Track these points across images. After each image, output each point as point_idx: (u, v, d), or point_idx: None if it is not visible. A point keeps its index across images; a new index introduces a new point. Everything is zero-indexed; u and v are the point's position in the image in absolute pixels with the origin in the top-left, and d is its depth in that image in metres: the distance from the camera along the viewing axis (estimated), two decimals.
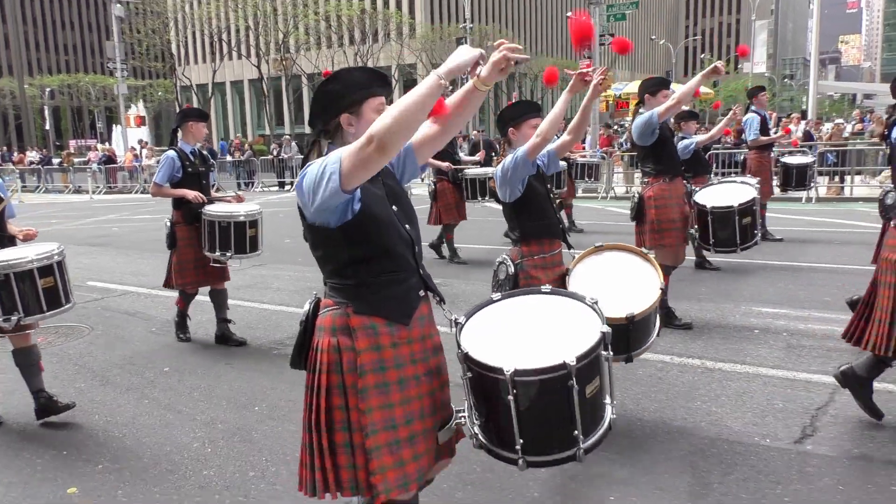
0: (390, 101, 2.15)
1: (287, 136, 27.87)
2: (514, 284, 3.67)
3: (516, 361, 2.16)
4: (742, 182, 6.40)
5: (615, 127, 27.37)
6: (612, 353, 2.37)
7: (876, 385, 3.84)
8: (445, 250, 9.12)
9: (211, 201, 5.63)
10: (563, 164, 10.24)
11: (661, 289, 3.59)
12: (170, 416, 4.33)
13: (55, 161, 31.10)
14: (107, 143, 34.37)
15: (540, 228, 3.72)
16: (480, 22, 56.93)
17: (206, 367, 5.26)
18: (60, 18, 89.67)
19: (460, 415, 2.36)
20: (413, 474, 2.17)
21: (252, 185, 23.98)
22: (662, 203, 5.41)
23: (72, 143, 55.06)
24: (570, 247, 3.90)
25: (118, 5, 29.70)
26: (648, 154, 5.40)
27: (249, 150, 25.24)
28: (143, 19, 49.27)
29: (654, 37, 79.37)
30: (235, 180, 24.68)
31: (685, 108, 11.67)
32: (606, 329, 2.30)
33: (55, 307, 4.18)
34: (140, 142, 30.28)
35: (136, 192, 25.54)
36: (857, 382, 3.77)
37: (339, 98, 2.18)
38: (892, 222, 3.66)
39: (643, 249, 3.97)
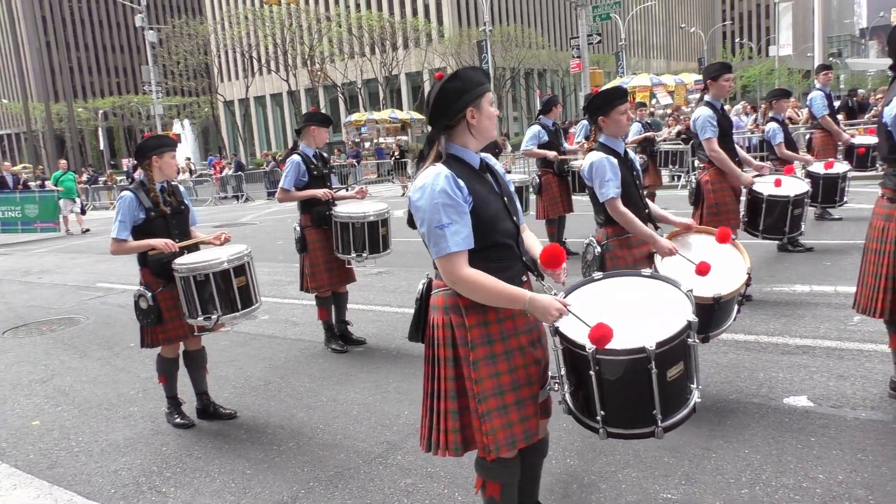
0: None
1: None
2: (601, 264, 3.81)
3: None
4: (794, 176, 6.57)
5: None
6: (697, 340, 2.44)
7: None
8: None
9: (335, 202, 5.59)
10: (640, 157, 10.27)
11: (748, 273, 3.61)
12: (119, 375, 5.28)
13: (101, 180, 32.99)
14: None
15: None
16: (504, 23, 57.66)
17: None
18: (111, 43, 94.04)
19: (553, 381, 2.53)
20: (520, 434, 2.42)
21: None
22: (719, 187, 5.72)
23: (125, 161, 58.19)
24: (656, 227, 3.94)
25: (151, 32, 31.80)
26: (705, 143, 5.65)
27: (274, 161, 26.81)
28: (179, 42, 52.05)
29: (683, 25, 78.61)
30: (265, 189, 26.45)
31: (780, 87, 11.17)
32: (693, 318, 2.38)
33: (248, 306, 4.28)
34: (187, 160, 32.32)
35: None
36: None
37: (464, 94, 2.37)
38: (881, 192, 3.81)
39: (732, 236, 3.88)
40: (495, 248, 2.40)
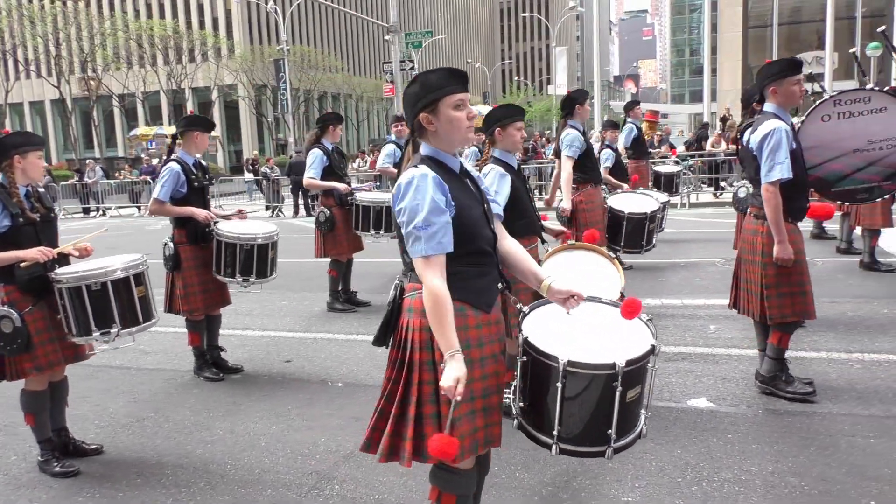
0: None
1: (90, 161, 26.68)
2: None
3: (570, 353, 2.30)
4: (642, 193, 7.15)
5: None
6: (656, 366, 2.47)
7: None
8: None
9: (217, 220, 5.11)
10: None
11: (622, 292, 3.64)
12: None
13: None
14: None
15: (522, 226, 3.91)
16: (299, 43, 56.97)
17: None
18: None
19: (506, 395, 2.51)
20: (481, 440, 2.39)
21: None
22: (591, 207, 6.00)
23: None
24: (543, 241, 4.13)
25: None
26: (576, 165, 5.93)
27: (48, 177, 23.91)
28: None
29: (469, 60, 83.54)
30: None
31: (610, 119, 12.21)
32: (657, 343, 2.42)
33: (149, 319, 3.88)
34: None
35: None
36: (772, 380, 4.27)
37: (418, 99, 2.33)
38: (747, 211, 4.25)
39: (611, 254, 4.08)
40: (478, 252, 2.40)
